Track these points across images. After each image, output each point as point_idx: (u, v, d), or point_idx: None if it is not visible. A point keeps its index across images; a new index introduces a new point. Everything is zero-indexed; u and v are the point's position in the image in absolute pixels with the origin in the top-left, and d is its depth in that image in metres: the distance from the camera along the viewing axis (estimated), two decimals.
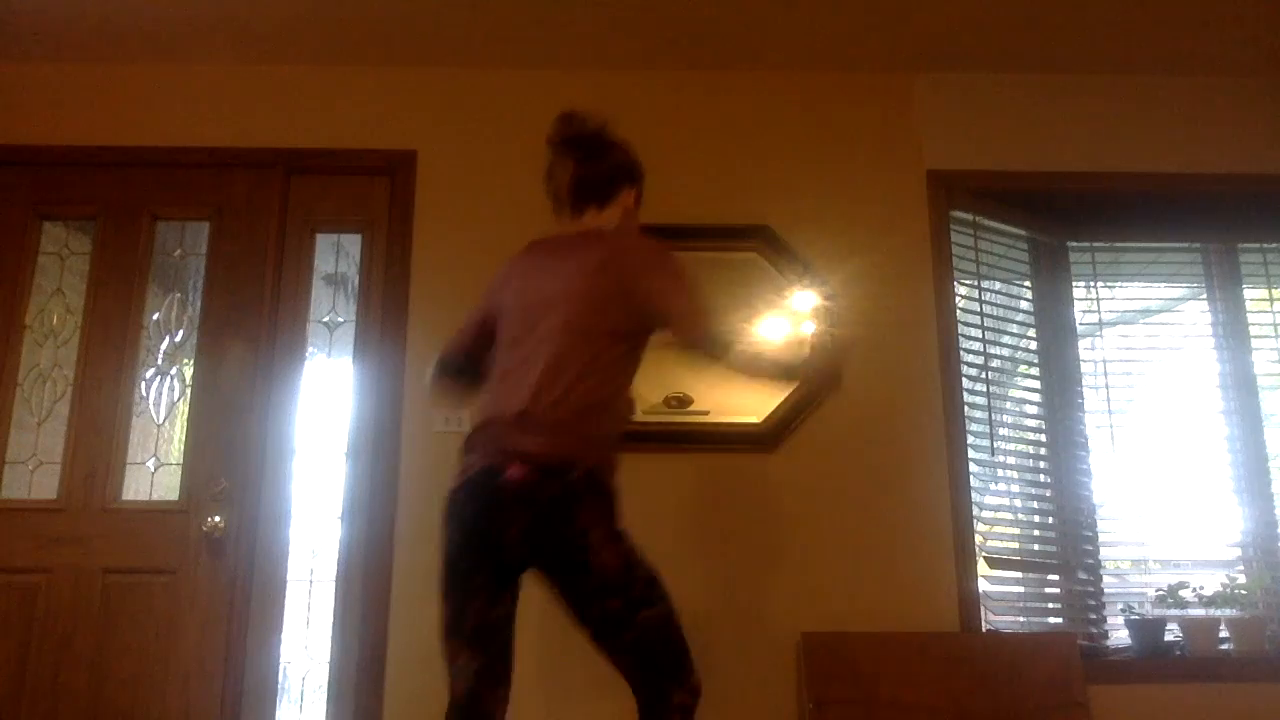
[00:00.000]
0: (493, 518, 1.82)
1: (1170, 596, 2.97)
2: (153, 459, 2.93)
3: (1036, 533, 3.09)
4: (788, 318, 3.02)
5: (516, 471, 1.80)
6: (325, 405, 3.00)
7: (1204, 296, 3.32)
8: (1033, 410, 3.19)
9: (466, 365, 2.13)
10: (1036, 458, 3.15)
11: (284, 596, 2.83)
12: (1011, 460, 3.12)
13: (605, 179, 2.12)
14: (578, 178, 2.08)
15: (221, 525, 2.80)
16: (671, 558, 2.81)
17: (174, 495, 2.87)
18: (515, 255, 2.14)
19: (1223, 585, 3.01)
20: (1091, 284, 3.29)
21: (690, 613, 2.78)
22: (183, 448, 2.91)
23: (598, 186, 2.10)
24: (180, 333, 3.02)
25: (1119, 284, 3.35)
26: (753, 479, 2.89)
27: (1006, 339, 3.23)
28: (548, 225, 3.02)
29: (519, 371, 1.91)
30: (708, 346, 1.93)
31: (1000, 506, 3.07)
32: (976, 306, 3.14)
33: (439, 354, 2.16)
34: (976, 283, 3.16)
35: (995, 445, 3.06)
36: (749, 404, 2.95)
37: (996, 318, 3.21)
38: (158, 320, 3.03)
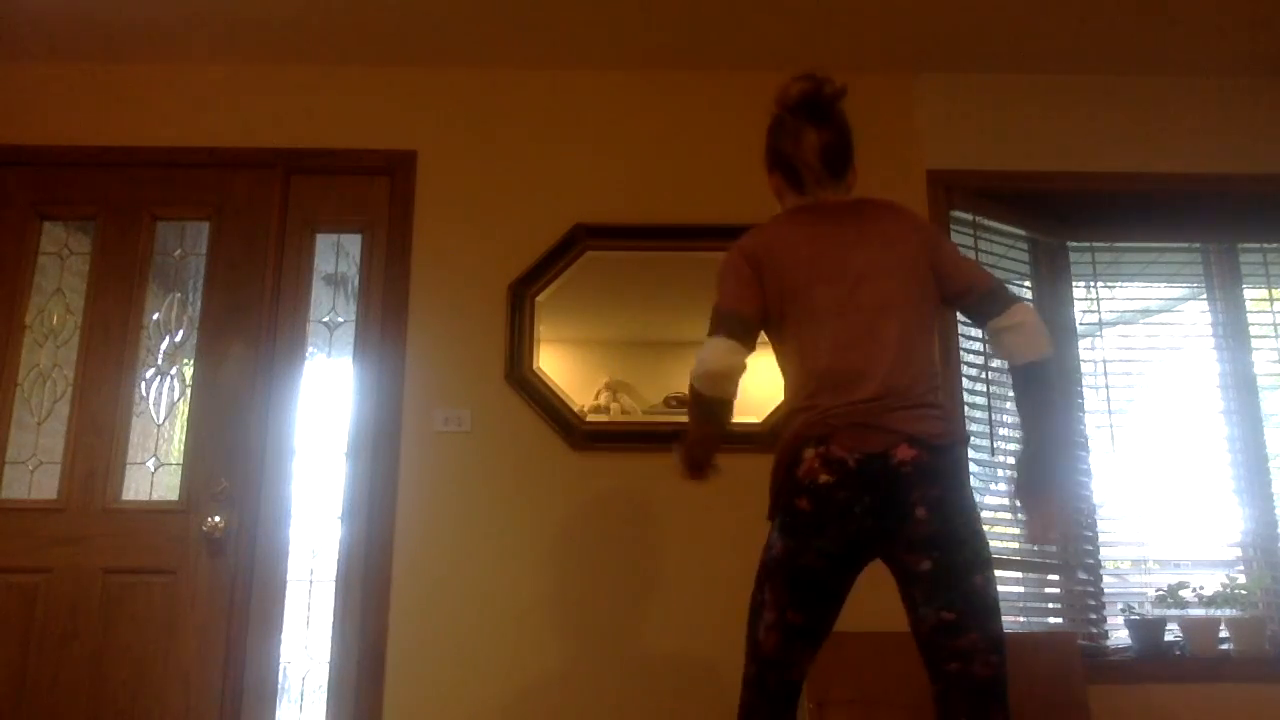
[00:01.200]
0: (892, 506, 1.70)
1: (1170, 596, 2.97)
2: (153, 459, 2.93)
3: None
4: None
5: (908, 453, 1.70)
6: (325, 405, 3.00)
7: (1204, 296, 3.32)
8: None
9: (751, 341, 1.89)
10: None
11: (284, 596, 2.83)
12: (1011, 460, 3.11)
13: (850, 146, 1.98)
14: (830, 145, 1.94)
15: (221, 525, 2.80)
16: (671, 557, 2.82)
17: (174, 495, 2.87)
18: (769, 228, 1.96)
19: (1223, 585, 3.01)
20: (1091, 284, 3.29)
21: (691, 613, 2.79)
22: (183, 448, 2.91)
23: (848, 153, 1.96)
24: (180, 333, 3.02)
25: (1119, 284, 3.35)
26: (753, 479, 2.88)
27: None
28: (548, 224, 3.04)
29: (860, 347, 1.77)
30: (1006, 299, 1.83)
31: (1000, 506, 3.07)
32: None
33: (723, 314, 1.88)
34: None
35: (995, 445, 3.06)
36: (749, 404, 2.95)
37: None
38: (158, 320, 3.03)
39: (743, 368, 1.86)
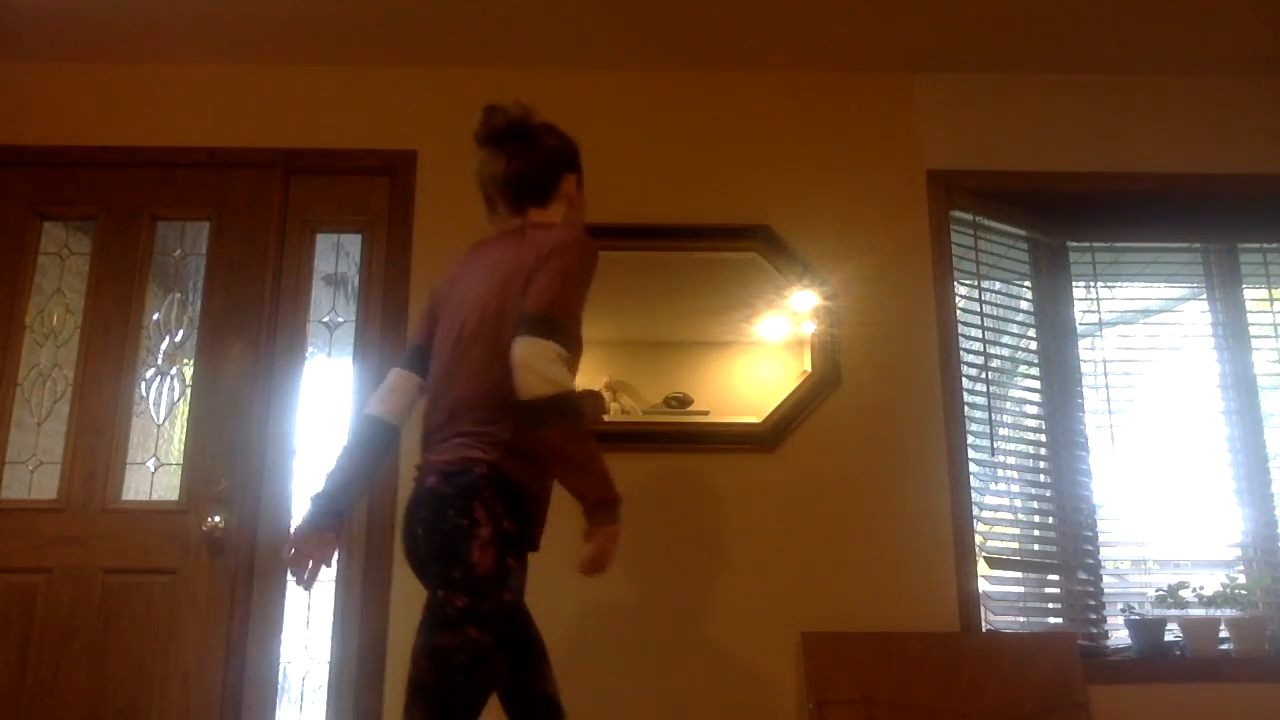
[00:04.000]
0: (412, 525, 1.81)
1: (1170, 596, 2.97)
2: (153, 459, 2.93)
3: (1036, 533, 3.09)
4: (788, 318, 3.03)
5: (431, 480, 1.77)
6: (325, 405, 3.00)
7: (1204, 296, 3.32)
8: (1033, 410, 3.19)
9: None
10: (1036, 458, 3.15)
11: (284, 596, 2.83)
12: (1011, 460, 3.12)
13: (541, 172, 1.95)
14: (513, 173, 1.93)
15: (221, 525, 2.80)
16: (672, 558, 2.83)
17: (174, 495, 2.87)
18: (458, 258, 2.05)
19: (1223, 585, 3.01)
20: (1091, 284, 3.30)
21: (691, 613, 2.79)
22: (183, 448, 2.91)
23: (535, 181, 1.94)
24: (180, 333, 3.02)
25: (1119, 284, 3.35)
26: (753, 479, 2.89)
27: (1006, 339, 3.23)
28: None
29: (437, 385, 1.88)
30: (524, 327, 1.70)
31: (1000, 506, 3.07)
32: (976, 306, 3.14)
33: (393, 373, 2.05)
34: (976, 283, 3.16)
35: (995, 445, 3.06)
36: (749, 405, 2.95)
37: (996, 318, 3.21)
38: (158, 320, 3.03)
39: (412, 392, 2.02)
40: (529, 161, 1.95)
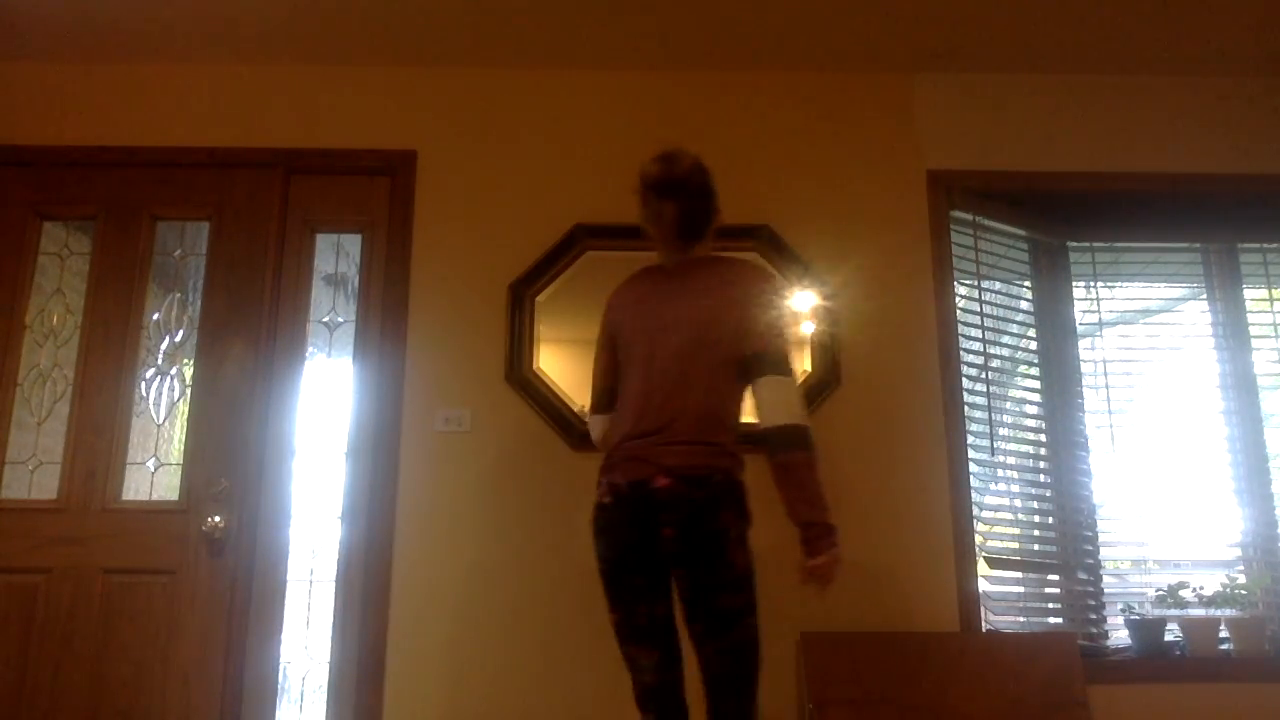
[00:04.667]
0: (646, 523, 1.99)
1: (1170, 596, 2.97)
2: (153, 459, 2.93)
3: (1036, 533, 3.09)
4: (787, 318, 3.02)
5: (662, 481, 1.98)
6: (325, 405, 3.00)
7: (1204, 296, 3.32)
8: (1033, 410, 3.19)
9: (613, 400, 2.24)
10: (1036, 458, 3.15)
11: (284, 596, 2.83)
12: (1011, 460, 3.12)
13: (706, 215, 2.22)
14: (684, 215, 2.18)
15: (221, 525, 2.80)
16: None
17: (174, 495, 2.87)
18: (625, 282, 2.27)
19: (1223, 585, 3.01)
20: (1091, 284, 3.30)
21: None
22: (183, 448, 2.91)
23: (701, 223, 2.21)
24: (180, 333, 3.02)
25: (1119, 284, 3.35)
26: (753, 479, 2.88)
27: (1006, 339, 3.23)
28: (548, 224, 3.04)
29: (654, 393, 2.07)
30: (765, 367, 2.04)
31: (1000, 506, 3.07)
32: (976, 306, 3.14)
33: (593, 395, 2.30)
34: (976, 283, 3.16)
35: (995, 445, 3.06)
36: (749, 404, 2.94)
37: (996, 318, 3.21)
38: (158, 320, 3.03)
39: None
40: (697, 206, 2.21)
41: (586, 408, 2.98)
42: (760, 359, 2.04)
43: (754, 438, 2.07)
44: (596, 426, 2.29)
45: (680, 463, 1.99)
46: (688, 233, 2.20)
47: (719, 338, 2.07)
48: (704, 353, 2.07)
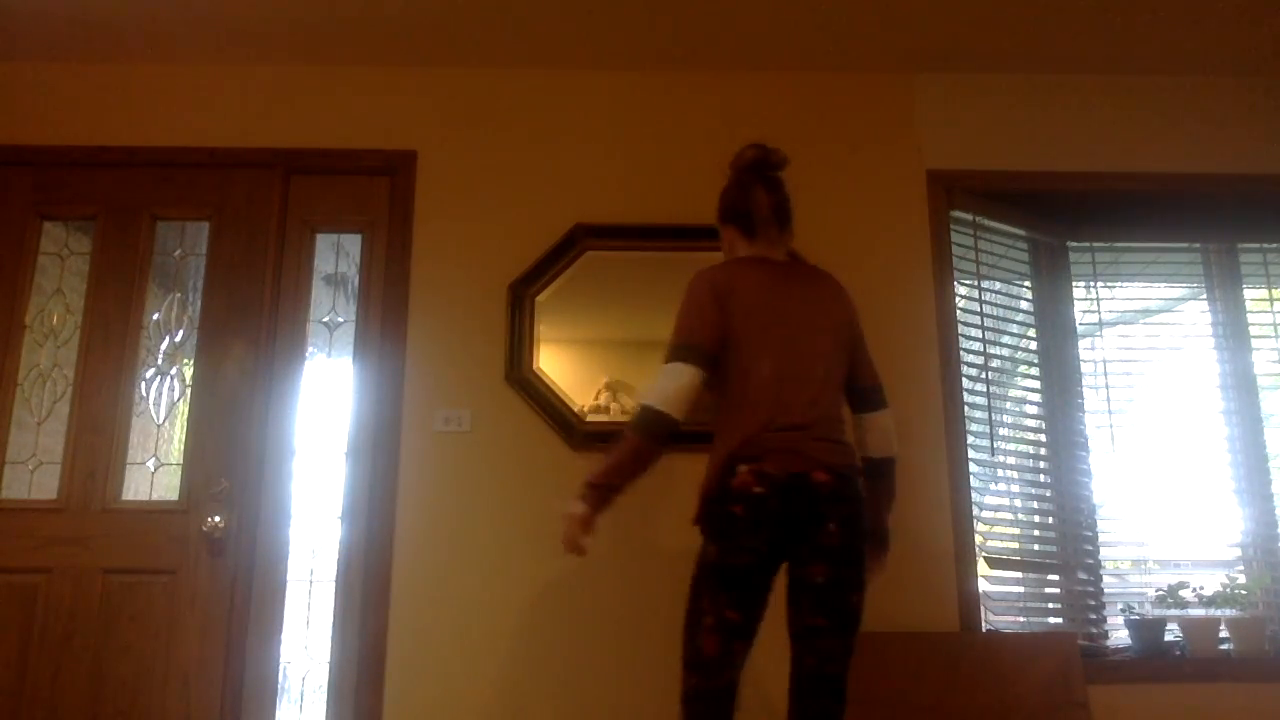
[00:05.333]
0: (803, 517, 1.99)
1: (1170, 596, 2.97)
2: (153, 459, 2.93)
3: (1036, 533, 3.09)
4: None
5: (823, 476, 2.00)
6: (325, 405, 3.00)
7: (1204, 296, 3.32)
8: (1033, 410, 3.19)
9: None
10: (1036, 458, 3.15)
11: (284, 596, 2.83)
12: (1011, 460, 3.12)
13: (791, 212, 2.28)
14: (777, 204, 2.25)
15: (221, 525, 2.80)
16: (672, 558, 2.82)
17: (174, 495, 2.87)
18: (731, 268, 2.18)
19: (1223, 585, 3.01)
20: (1091, 284, 3.30)
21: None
22: (183, 448, 2.91)
23: (789, 217, 2.27)
24: (180, 333, 3.02)
25: (1119, 284, 3.35)
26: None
27: (1006, 339, 3.23)
28: (547, 224, 3.04)
29: (801, 386, 2.07)
30: (883, 399, 2.28)
31: (1000, 506, 3.07)
32: (976, 306, 3.14)
33: (686, 348, 2.07)
34: (976, 283, 3.16)
35: (995, 445, 3.06)
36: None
37: (996, 318, 3.21)
38: (158, 320, 3.03)
39: (699, 394, 2.09)
40: (785, 199, 2.27)
41: (594, 402, 3.00)
42: (880, 391, 2.26)
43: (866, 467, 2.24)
44: (687, 378, 2.03)
45: (836, 461, 2.03)
46: (784, 220, 2.25)
47: (846, 354, 2.20)
48: (839, 362, 2.17)
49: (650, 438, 2.02)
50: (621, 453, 2.03)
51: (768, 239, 2.24)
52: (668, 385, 2.03)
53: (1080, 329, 3.25)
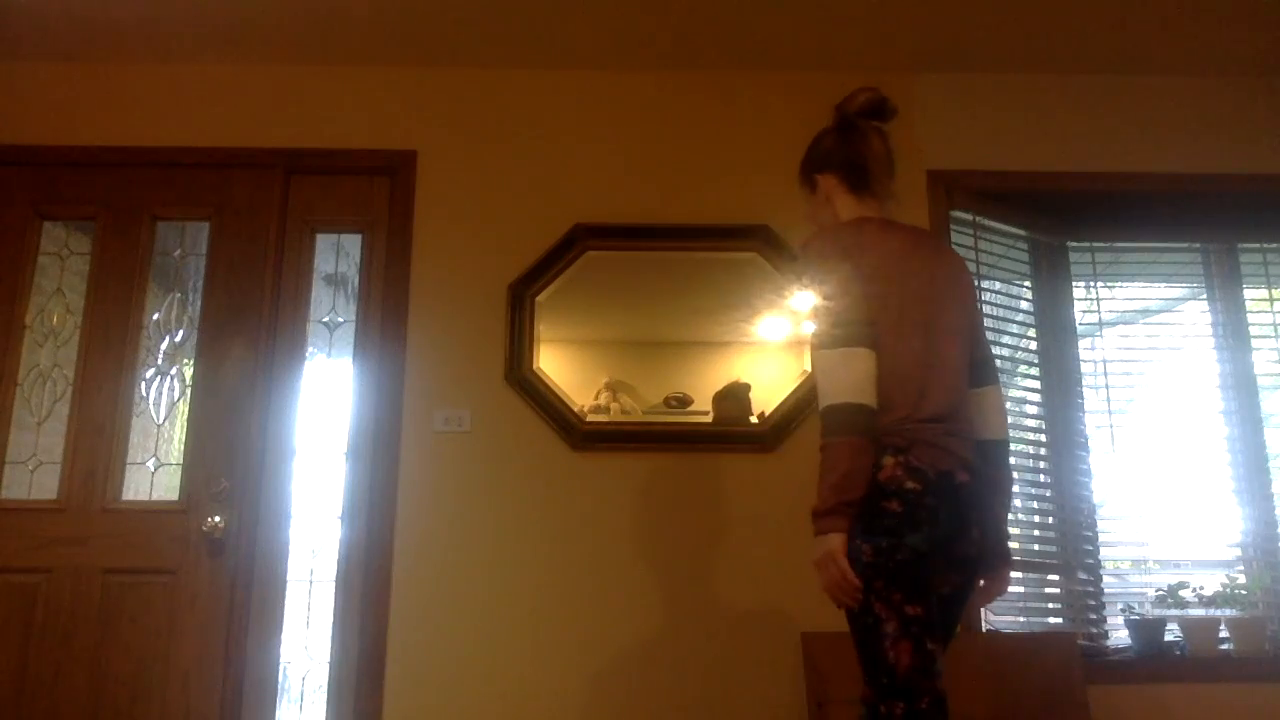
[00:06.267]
0: (956, 519, 1.75)
1: (1170, 596, 2.97)
2: (153, 459, 2.93)
3: (1036, 533, 3.09)
4: (787, 318, 3.03)
5: (965, 477, 1.78)
6: (325, 405, 3.00)
7: (1204, 296, 3.32)
8: (1033, 410, 3.19)
9: None
10: (1036, 458, 3.15)
11: (284, 596, 2.83)
12: (1011, 460, 3.11)
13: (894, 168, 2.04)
14: (888, 155, 2.00)
15: (221, 525, 2.80)
16: (672, 558, 2.82)
17: (174, 495, 2.87)
18: (860, 229, 1.89)
19: (1223, 585, 3.01)
20: (1091, 284, 3.29)
21: (692, 613, 2.79)
22: (183, 448, 2.91)
23: (894, 173, 2.02)
24: (180, 333, 3.02)
25: (1119, 284, 3.35)
26: (753, 479, 2.89)
27: (1006, 339, 3.23)
28: (547, 224, 3.04)
29: (942, 373, 1.82)
30: (997, 374, 2.01)
31: None
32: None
33: (850, 325, 1.77)
34: (976, 283, 3.16)
35: None
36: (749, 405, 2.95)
37: (996, 318, 3.21)
38: (158, 320, 3.03)
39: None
40: (890, 151, 2.02)
41: (594, 402, 3.00)
42: (992, 363, 1.99)
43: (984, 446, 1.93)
44: (864, 362, 1.74)
45: (972, 458, 1.82)
46: (892, 177, 2.00)
47: (971, 332, 1.94)
48: (970, 343, 1.92)
49: (860, 433, 1.71)
50: (840, 461, 1.71)
51: (881, 194, 1.97)
52: (847, 375, 1.73)
53: (1080, 329, 3.25)
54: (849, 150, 2.00)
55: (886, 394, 1.77)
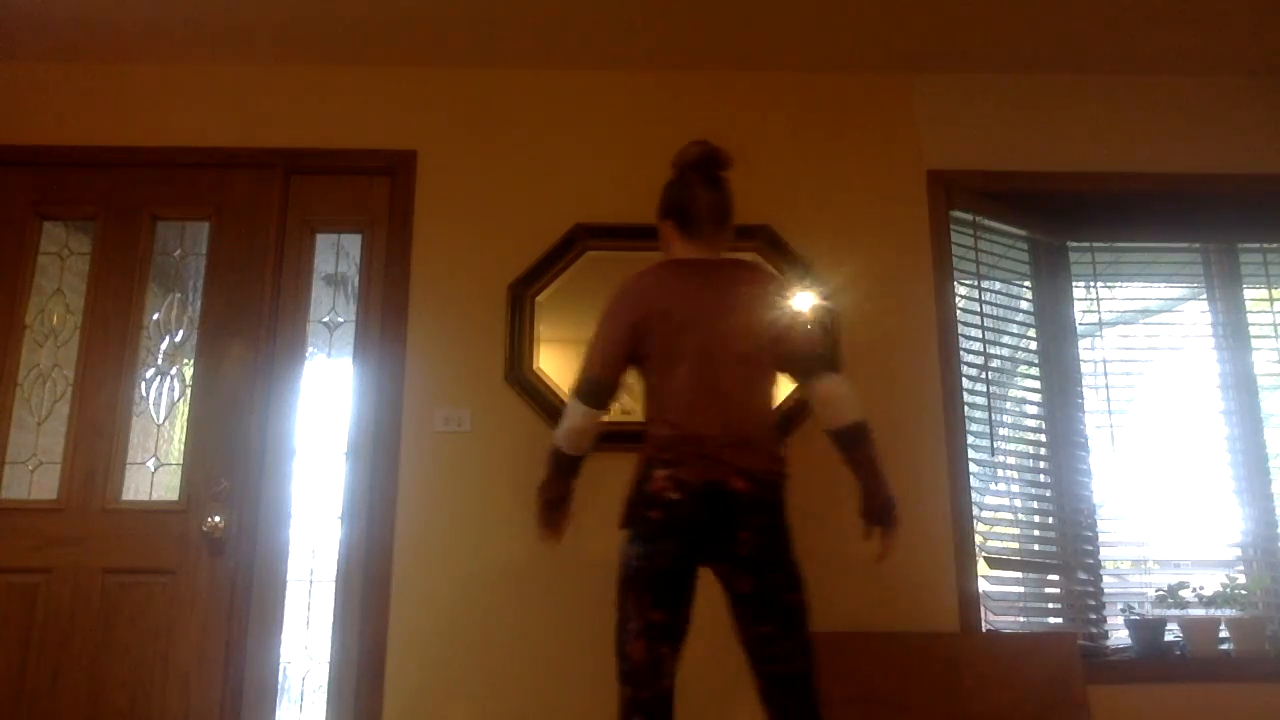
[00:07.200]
0: (720, 525, 1.99)
1: (1170, 596, 2.97)
2: (153, 459, 2.93)
3: (1036, 533, 3.09)
4: None
5: (740, 484, 2.00)
6: (325, 405, 3.00)
7: (1204, 296, 3.33)
8: (1033, 410, 3.19)
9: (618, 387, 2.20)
10: (1036, 458, 3.16)
11: (284, 596, 2.83)
12: (1011, 460, 3.12)
13: (731, 211, 2.27)
14: (717, 203, 2.23)
15: (221, 525, 2.80)
16: None
17: (174, 495, 2.87)
18: (652, 273, 2.20)
19: (1223, 585, 3.01)
20: (1091, 284, 3.30)
21: (691, 613, 2.79)
22: (183, 448, 2.91)
23: (728, 216, 2.25)
24: (180, 333, 3.02)
25: (1119, 284, 3.35)
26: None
27: (1006, 339, 3.23)
28: (547, 224, 3.04)
29: (714, 391, 2.06)
30: (823, 364, 2.15)
31: (1000, 506, 3.07)
32: (976, 306, 3.14)
33: (590, 382, 2.16)
34: (976, 283, 3.16)
35: (995, 445, 3.06)
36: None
37: (996, 318, 3.21)
38: (158, 320, 3.03)
39: (598, 428, 2.20)
40: (726, 200, 2.26)
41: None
42: (816, 359, 2.13)
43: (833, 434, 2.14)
44: (581, 419, 2.16)
45: (756, 466, 2.02)
46: (723, 221, 2.23)
47: (775, 345, 2.13)
48: (763, 360, 2.12)
49: (560, 473, 2.22)
50: (541, 489, 2.24)
51: (704, 238, 2.21)
52: (567, 424, 2.18)
53: (1080, 329, 3.25)
54: (680, 199, 2.24)
55: (659, 413, 2.09)
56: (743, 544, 1.99)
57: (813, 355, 2.14)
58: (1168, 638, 2.91)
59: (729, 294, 2.15)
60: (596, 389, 2.14)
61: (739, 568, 2.00)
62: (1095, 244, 3.31)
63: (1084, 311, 3.27)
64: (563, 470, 2.21)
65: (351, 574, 2.83)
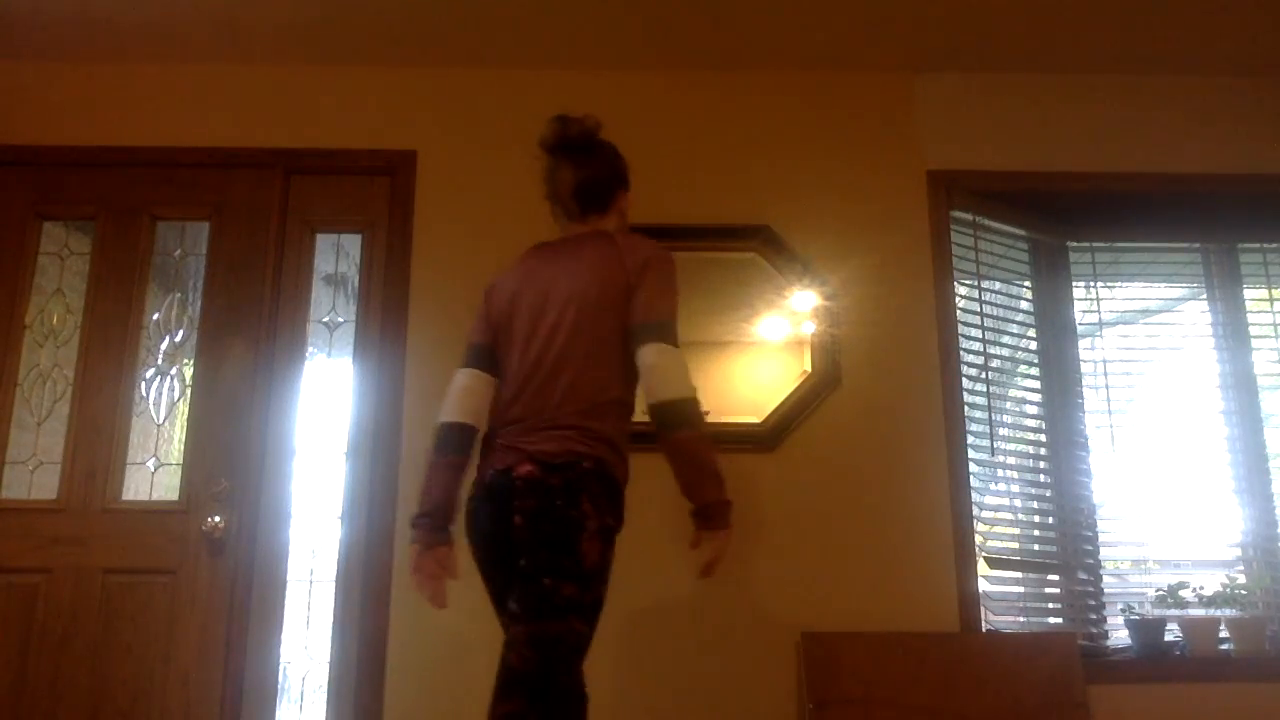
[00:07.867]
0: (501, 514, 1.88)
1: (1170, 596, 2.97)
2: (153, 459, 2.93)
3: (1036, 533, 3.09)
4: (787, 318, 3.03)
5: (525, 469, 1.86)
6: (325, 405, 3.00)
7: (1204, 296, 3.32)
8: (1033, 410, 3.19)
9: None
10: (1036, 458, 3.15)
11: (284, 596, 2.83)
12: (1011, 460, 3.12)
13: (605, 184, 2.13)
14: (580, 182, 2.10)
15: (221, 525, 2.80)
16: (671, 558, 2.82)
17: (174, 495, 2.87)
18: (515, 261, 2.16)
19: (1223, 585, 3.01)
20: (1091, 284, 3.30)
21: (691, 613, 2.79)
22: (183, 448, 2.91)
23: (599, 192, 2.11)
24: (180, 333, 3.02)
25: (1119, 284, 3.35)
26: (753, 479, 2.89)
27: (1006, 339, 3.23)
28: (547, 225, 3.03)
29: (535, 373, 1.95)
30: (650, 334, 1.90)
31: (1000, 506, 3.07)
32: (976, 306, 3.14)
33: (464, 359, 2.10)
34: (976, 283, 3.16)
35: (995, 445, 3.06)
36: (749, 404, 2.95)
37: (996, 318, 3.21)
38: (158, 320, 3.03)
39: (488, 392, 2.06)
40: (596, 172, 2.11)
41: None
42: (648, 329, 1.90)
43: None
44: (460, 379, 2.06)
45: (549, 448, 1.86)
46: (587, 203, 2.10)
47: (601, 312, 1.94)
48: (585, 330, 1.93)
49: (435, 451, 2.03)
50: (425, 480, 2.04)
51: (575, 218, 2.11)
52: (449, 393, 2.06)
53: (1080, 329, 3.25)
54: (547, 183, 2.15)
55: (494, 405, 2.03)
56: (515, 528, 1.84)
57: (641, 324, 1.91)
58: (1168, 638, 2.90)
59: (568, 266, 2.01)
60: (467, 353, 2.10)
61: (517, 550, 1.83)
62: (1095, 244, 3.31)
63: (1084, 311, 3.27)
64: (439, 448, 2.03)
65: (351, 574, 2.83)
